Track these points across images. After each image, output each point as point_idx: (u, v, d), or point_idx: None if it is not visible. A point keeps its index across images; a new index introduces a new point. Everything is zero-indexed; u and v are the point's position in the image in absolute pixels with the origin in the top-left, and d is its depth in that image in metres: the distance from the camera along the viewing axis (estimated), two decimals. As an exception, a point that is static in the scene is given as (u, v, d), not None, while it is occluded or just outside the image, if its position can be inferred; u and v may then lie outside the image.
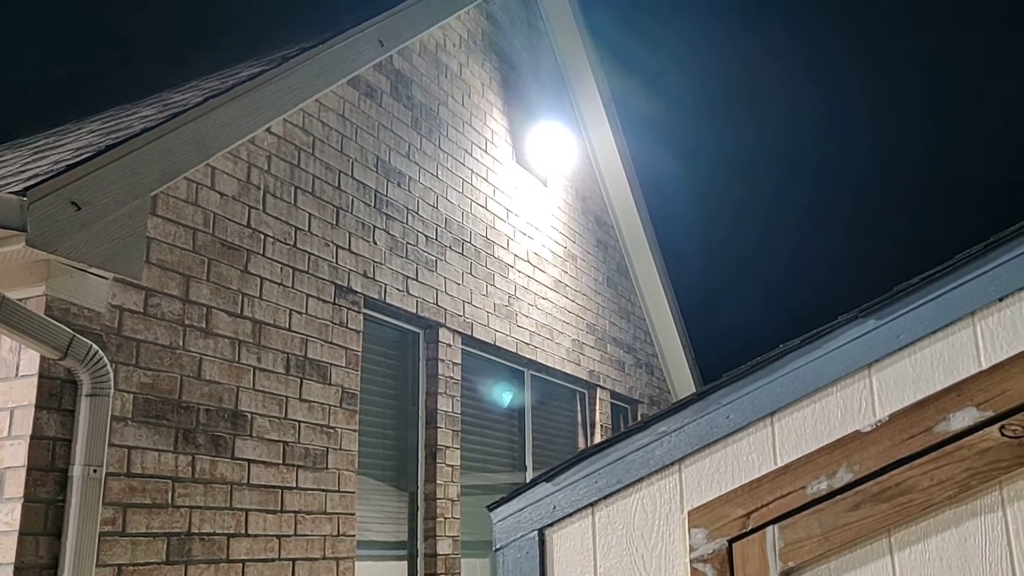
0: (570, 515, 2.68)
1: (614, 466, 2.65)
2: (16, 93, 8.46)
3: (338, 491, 5.02)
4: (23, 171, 3.85)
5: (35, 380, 3.50)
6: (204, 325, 4.30)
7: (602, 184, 9.69)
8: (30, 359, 3.54)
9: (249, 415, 4.50)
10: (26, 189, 3.32)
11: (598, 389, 8.68)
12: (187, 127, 4.21)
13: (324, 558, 4.84)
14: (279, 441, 4.67)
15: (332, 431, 5.04)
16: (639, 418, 9.25)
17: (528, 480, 2.80)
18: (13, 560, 3.32)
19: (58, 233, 3.45)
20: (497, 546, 2.74)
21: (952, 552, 2.25)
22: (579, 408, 8.55)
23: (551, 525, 2.70)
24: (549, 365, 7.71)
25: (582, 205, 9.04)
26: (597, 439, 8.34)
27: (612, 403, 9.02)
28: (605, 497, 2.64)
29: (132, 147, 3.88)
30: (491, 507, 2.79)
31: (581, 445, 8.32)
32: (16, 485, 3.41)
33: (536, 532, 2.70)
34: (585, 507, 2.67)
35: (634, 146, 9.83)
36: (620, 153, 9.64)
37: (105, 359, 3.65)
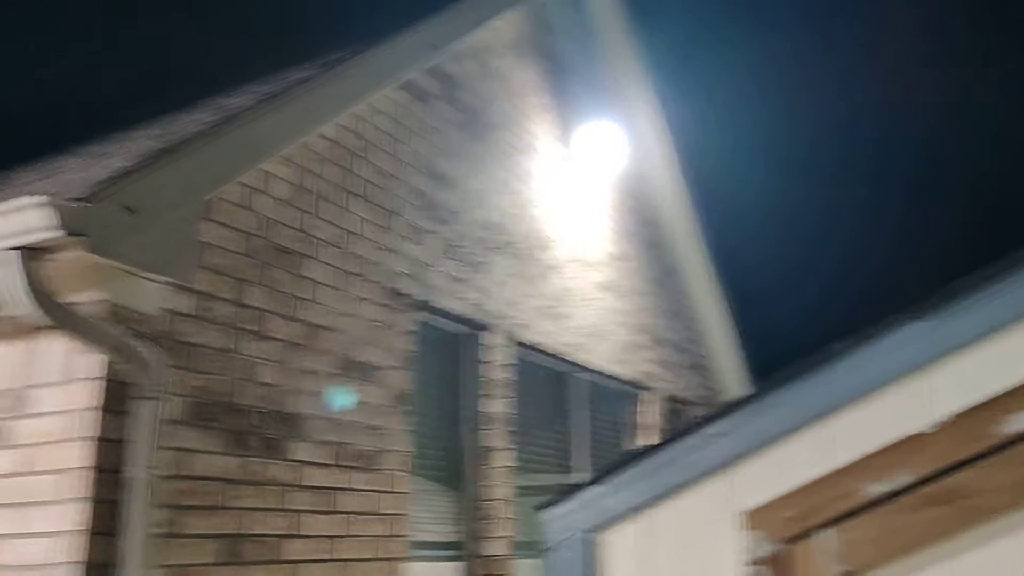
0: (621, 517, 2.67)
1: (666, 468, 2.63)
2: (73, 100, 8.61)
3: (391, 492, 5.05)
4: (80, 177, 3.91)
5: (94, 383, 3.56)
6: (257, 328, 4.34)
7: (652, 184, 9.61)
8: (88, 363, 3.59)
9: (302, 417, 4.53)
10: (83, 195, 3.38)
11: (650, 390, 8.62)
12: (240, 131, 4.25)
13: (376, 559, 4.87)
14: (332, 443, 4.70)
15: (385, 432, 5.06)
16: (691, 420, 9.17)
17: (579, 482, 2.78)
18: (81, 558, 3.38)
19: (113, 238, 3.50)
20: (547, 547, 2.73)
21: (1014, 556, 2.19)
22: (631, 410, 8.50)
23: (602, 527, 2.69)
24: (600, 366, 7.68)
25: (632, 205, 8.99)
26: (649, 441, 8.28)
27: (664, 404, 8.95)
28: (656, 499, 2.62)
29: (186, 152, 3.92)
30: (541, 508, 2.78)
31: (633, 447, 8.26)
32: (81, 486, 3.46)
33: (587, 534, 2.69)
34: (636, 509, 2.65)
35: (685, 146, 9.74)
36: (670, 153, 9.56)
37: (159, 362, 3.70)
